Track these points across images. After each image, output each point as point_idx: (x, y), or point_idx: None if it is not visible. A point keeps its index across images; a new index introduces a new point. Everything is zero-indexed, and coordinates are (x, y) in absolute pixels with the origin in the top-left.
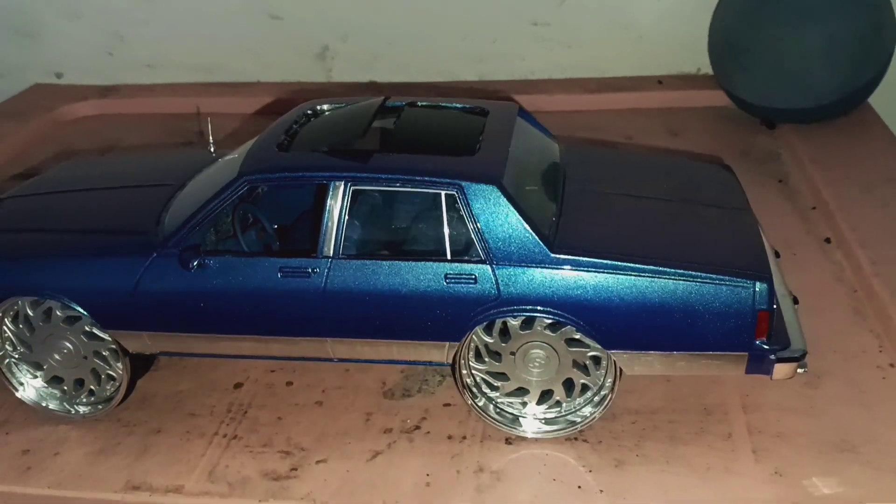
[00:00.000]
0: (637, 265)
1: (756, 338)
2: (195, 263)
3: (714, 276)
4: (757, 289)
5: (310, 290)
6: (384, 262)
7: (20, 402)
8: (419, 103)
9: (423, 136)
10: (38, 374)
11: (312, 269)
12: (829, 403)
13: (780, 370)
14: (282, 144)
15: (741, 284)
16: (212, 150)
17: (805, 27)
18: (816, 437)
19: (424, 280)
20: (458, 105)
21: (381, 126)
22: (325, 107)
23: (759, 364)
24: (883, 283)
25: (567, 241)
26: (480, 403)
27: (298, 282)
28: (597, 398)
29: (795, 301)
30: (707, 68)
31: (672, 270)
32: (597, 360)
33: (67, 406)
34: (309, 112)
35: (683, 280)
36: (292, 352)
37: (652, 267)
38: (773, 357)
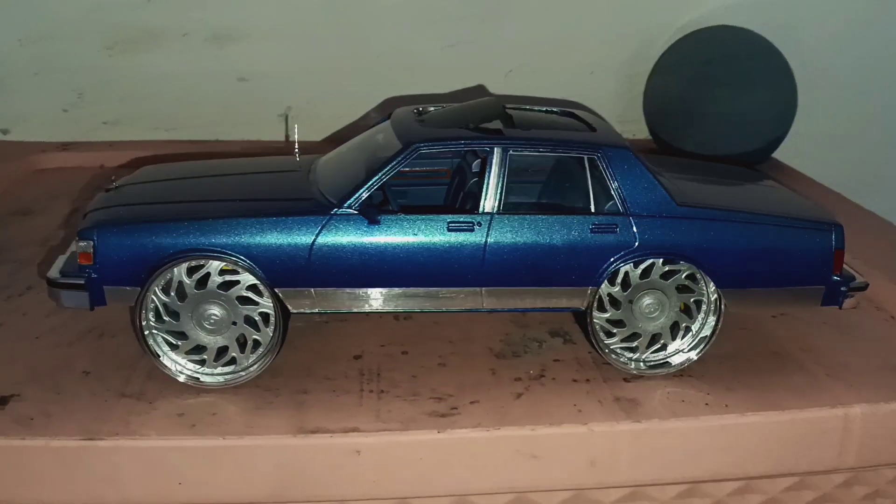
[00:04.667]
0: (746, 213)
1: (833, 273)
2: (380, 218)
3: (804, 221)
4: (834, 232)
5: (473, 243)
6: (539, 217)
7: (149, 376)
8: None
9: (542, 122)
10: (179, 343)
11: (476, 224)
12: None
13: (849, 301)
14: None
15: (824, 228)
16: (296, 152)
17: (742, 90)
18: (879, 360)
19: (573, 231)
20: (538, 108)
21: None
22: (430, 107)
23: (832, 296)
24: None
25: (683, 197)
26: (606, 350)
27: (464, 235)
28: (695, 340)
29: None
30: (641, 134)
31: (773, 217)
32: (698, 304)
33: (204, 377)
34: (415, 111)
35: (781, 226)
36: (449, 305)
37: (758, 214)
38: (844, 289)
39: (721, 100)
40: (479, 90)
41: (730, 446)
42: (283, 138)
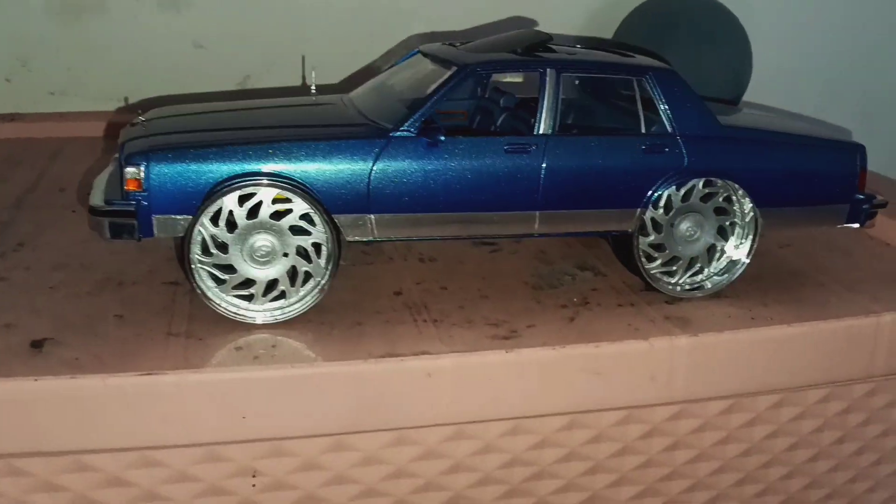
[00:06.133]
0: (786, 134)
1: (858, 191)
2: (441, 137)
3: (833, 141)
4: (859, 152)
5: (529, 165)
6: (592, 138)
7: (191, 317)
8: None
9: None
10: (226, 277)
11: (533, 145)
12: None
13: (870, 221)
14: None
15: (850, 148)
16: (313, 92)
17: (703, 48)
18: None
19: (627, 152)
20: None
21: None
22: (457, 43)
23: (855, 214)
24: None
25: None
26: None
27: (520, 157)
28: (726, 263)
29: None
30: None
31: (806, 137)
32: (732, 227)
33: (252, 313)
34: (447, 44)
35: (814, 146)
36: (503, 229)
37: (793, 135)
38: (866, 206)
39: (682, 61)
40: (516, 22)
41: (776, 358)
42: None
